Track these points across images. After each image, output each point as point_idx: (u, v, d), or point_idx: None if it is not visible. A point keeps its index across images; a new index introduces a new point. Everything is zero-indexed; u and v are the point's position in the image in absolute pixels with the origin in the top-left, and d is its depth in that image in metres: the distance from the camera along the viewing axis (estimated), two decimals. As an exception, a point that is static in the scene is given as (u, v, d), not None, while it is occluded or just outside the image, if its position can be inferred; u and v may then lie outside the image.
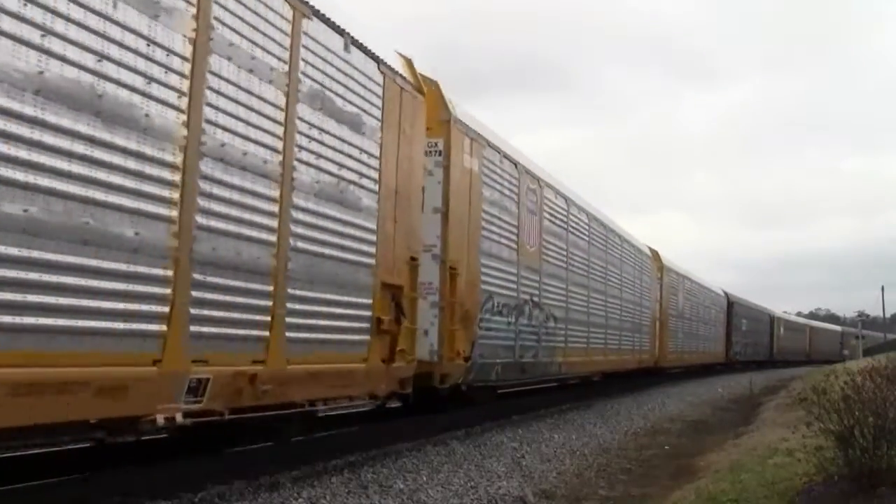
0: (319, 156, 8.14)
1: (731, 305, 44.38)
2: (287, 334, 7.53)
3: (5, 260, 4.76)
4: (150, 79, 5.80)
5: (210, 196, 6.48)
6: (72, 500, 6.42)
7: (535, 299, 15.15)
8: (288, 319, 7.53)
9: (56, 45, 5.04)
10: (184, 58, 6.10)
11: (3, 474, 6.49)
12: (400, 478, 8.87)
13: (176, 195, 6.03)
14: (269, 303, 7.27)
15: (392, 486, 8.43)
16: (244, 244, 6.93)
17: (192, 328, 6.27)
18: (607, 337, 20.82)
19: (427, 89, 11.10)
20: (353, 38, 8.67)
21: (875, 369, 9.31)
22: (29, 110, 4.88)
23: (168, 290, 5.99)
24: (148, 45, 5.77)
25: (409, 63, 10.56)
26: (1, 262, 4.74)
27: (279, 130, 7.41)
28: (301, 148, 7.79)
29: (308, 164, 7.91)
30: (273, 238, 7.33)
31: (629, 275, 23.82)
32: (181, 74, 6.10)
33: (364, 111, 8.98)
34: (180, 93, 6.09)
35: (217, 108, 6.55)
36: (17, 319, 4.85)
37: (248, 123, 6.95)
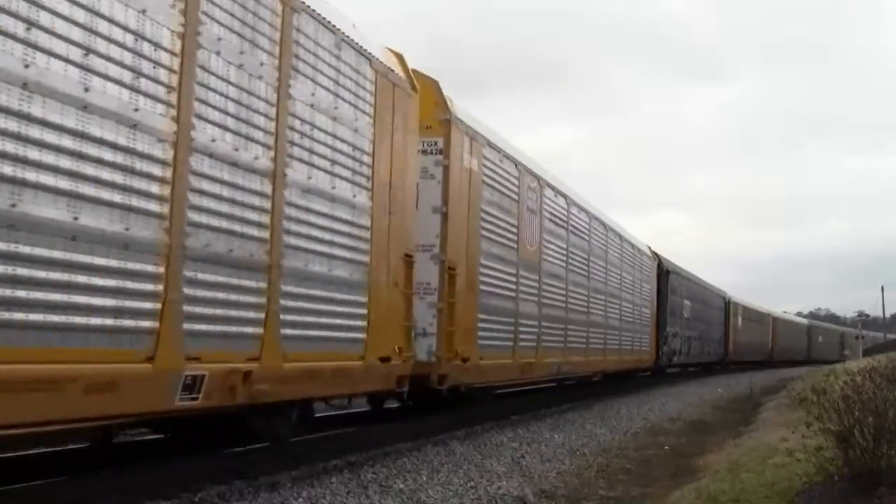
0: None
1: (666, 276, 28.63)
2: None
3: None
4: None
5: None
6: (72, 500, 6.43)
7: None
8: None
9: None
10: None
11: (3, 474, 6.50)
12: (400, 478, 8.87)
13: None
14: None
15: (392, 486, 8.43)
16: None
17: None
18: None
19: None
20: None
21: (875, 369, 9.33)
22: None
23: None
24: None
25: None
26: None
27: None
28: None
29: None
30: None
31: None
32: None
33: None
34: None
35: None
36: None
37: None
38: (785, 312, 74.76)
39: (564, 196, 17.40)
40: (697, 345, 33.96)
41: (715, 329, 38.73)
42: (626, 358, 23.29)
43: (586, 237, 19.00)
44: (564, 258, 17.08)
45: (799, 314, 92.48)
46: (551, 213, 16.32)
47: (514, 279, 14.04)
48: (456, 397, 12.65)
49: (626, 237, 23.75)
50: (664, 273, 28.19)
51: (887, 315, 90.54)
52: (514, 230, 14.08)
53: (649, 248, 27.27)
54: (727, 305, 42.31)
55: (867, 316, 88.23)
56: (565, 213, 17.34)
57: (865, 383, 8.05)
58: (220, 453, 8.37)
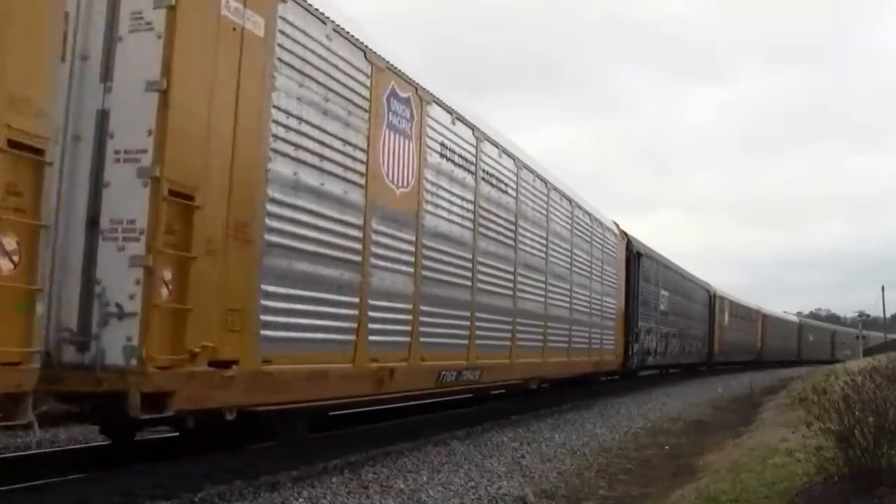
0: None
1: (638, 259, 23.36)
2: None
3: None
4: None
5: None
6: (72, 500, 6.43)
7: None
8: None
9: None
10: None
11: (3, 474, 6.50)
12: (400, 478, 8.87)
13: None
14: None
15: (392, 486, 8.43)
16: None
17: None
18: None
19: None
20: None
21: (875, 369, 9.33)
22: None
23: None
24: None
25: None
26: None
27: None
28: None
29: None
30: None
31: None
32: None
33: None
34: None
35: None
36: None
37: None
38: (785, 312, 74.37)
39: (471, 127, 11.77)
40: (677, 343, 28.88)
41: (697, 325, 33.50)
42: (579, 359, 17.69)
43: (512, 192, 13.43)
44: (471, 216, 11.75)
45: (799, 314, 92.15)
46: (444, 147, 10.85)
47: (357, 234, 8.79)
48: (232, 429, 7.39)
49: (582, 204, 18.00)
50: (635, 256, 22.88)
51: (887, 315, 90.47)
52: (359, 155, 8.85)
53: (616, 224, 21.87)
54: (712, 299, 37.11)
55: (867, 316, 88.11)
56: (472, 152, 11.75)
57: (866, 383, 8.06)
58: (220, 453, 8.37)
